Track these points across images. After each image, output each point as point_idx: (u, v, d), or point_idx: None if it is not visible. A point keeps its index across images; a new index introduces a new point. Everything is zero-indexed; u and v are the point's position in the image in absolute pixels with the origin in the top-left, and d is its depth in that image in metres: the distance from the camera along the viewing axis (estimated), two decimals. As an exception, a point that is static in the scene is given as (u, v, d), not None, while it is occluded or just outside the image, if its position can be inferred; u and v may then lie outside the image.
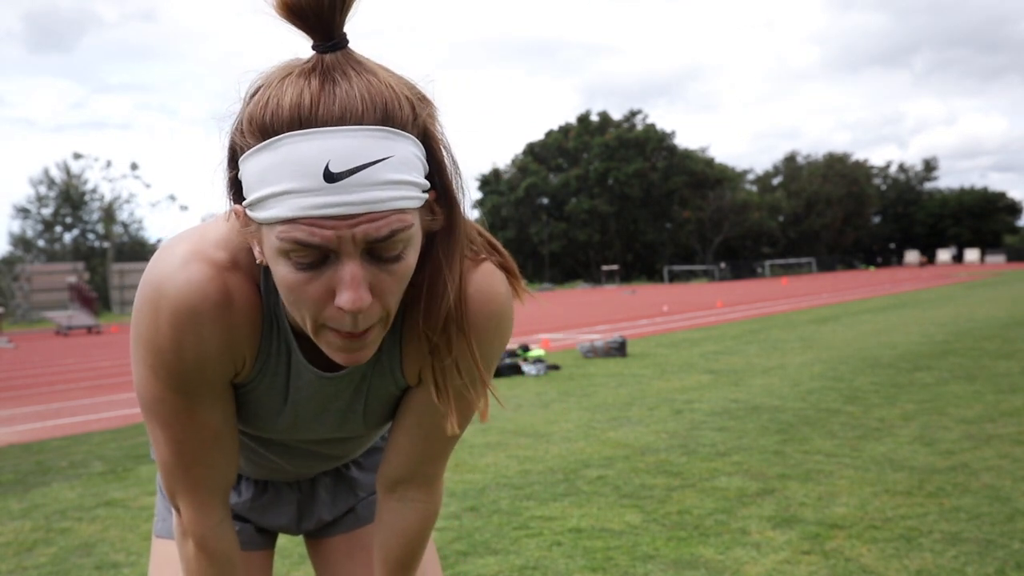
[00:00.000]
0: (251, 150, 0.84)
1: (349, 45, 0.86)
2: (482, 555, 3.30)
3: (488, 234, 1.07)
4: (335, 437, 1.19)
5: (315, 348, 1.02)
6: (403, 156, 0.84)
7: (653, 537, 3.40)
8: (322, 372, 1.06)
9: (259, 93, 0.85)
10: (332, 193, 0.81)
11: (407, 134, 0.85)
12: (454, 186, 0.93)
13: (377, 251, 0.85)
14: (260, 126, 0.83)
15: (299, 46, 0.86)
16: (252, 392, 1.06)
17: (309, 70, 0.84)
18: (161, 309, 0.94)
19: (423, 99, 0.89)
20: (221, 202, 0.94)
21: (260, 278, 0.99)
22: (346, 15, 0.84)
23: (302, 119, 0.81)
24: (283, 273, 0.86)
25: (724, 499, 3.87)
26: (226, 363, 1.00)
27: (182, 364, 0.97)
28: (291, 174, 0.81)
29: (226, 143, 0.89)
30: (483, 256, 1.04)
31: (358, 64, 0.85)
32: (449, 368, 1.01)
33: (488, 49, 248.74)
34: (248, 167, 0.85)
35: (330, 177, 0.80)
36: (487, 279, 1.03)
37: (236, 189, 0.90)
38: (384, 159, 0.82)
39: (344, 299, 0.84)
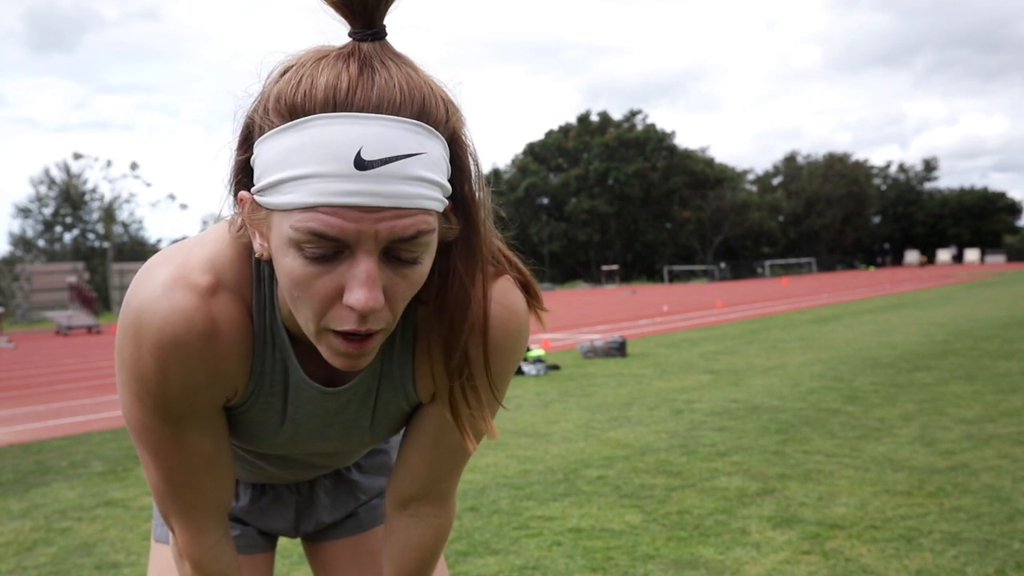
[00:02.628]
0: (273, 130, 0.79)
1: (387, 38, 0.83)
2: (482, 555, 3.30)
3: (510, 252, 1.02)
4: (337, 451, 1.15)
5: (315, 361, 0.98)
6: (434, 156, 0.80)
7: (653, 537, 3.40)
8: (324, 387, 1.01)
9: (290, 72, 0.81)
10: (361, 181, 0.76)
11: (439, 134, 0.81)
12: (479, 197, 0.89)
13: (396, 252, 0.80)
14: (289, 105, 0.78)
15: (311, 43, 0.84)
16: (246, 413, 1.02)
17: (347, 54, 0.80)
18: (143, 339, 0.89)
19: (452, 103, 0.85)
20: (223, 186, 0.89)
21: (252, 294, 0.94)
22: (389, 5, 0.82)
23: (337, 101, 0.77)
24: (291, 266, 0.80)
25: (724, 499, 3.87)
26: (215, 391, 0.95)
27: (167, 394, 0.92)
28: (318, 157, 0.76)
29: (241, 123, 0.85)
30: (504, 271, 1.00)
31: (396, 56, 0.82)
32: (465, 385, 0.97)
33: (489, 48, 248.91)
34: (266, 148, 0.80)
35: (361, 164, 0.75)
36: (508, 295, 0.99)
37: (244, 174, 0.86)
38: (418, 154, 0.78)
39: (356, 297, 0.78)
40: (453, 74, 0.87)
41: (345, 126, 0.76)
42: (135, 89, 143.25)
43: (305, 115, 0.78)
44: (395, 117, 0.78)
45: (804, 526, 3.43)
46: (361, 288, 0.78)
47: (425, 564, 1.16)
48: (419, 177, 0.78)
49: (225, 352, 0.92)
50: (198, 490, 1.02)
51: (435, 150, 0.81)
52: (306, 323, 0.84)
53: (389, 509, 1.15)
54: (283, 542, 3.28)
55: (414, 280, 0.84)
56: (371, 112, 0.77)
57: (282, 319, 0.95)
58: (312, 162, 0.77)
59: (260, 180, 0.81)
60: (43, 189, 58.67)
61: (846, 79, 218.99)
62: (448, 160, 0.84)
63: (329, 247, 0.78)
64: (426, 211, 0.80)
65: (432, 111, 0.80)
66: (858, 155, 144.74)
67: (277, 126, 0.79)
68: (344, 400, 1.03)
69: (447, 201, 0.85)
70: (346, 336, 0.83)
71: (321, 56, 0.81)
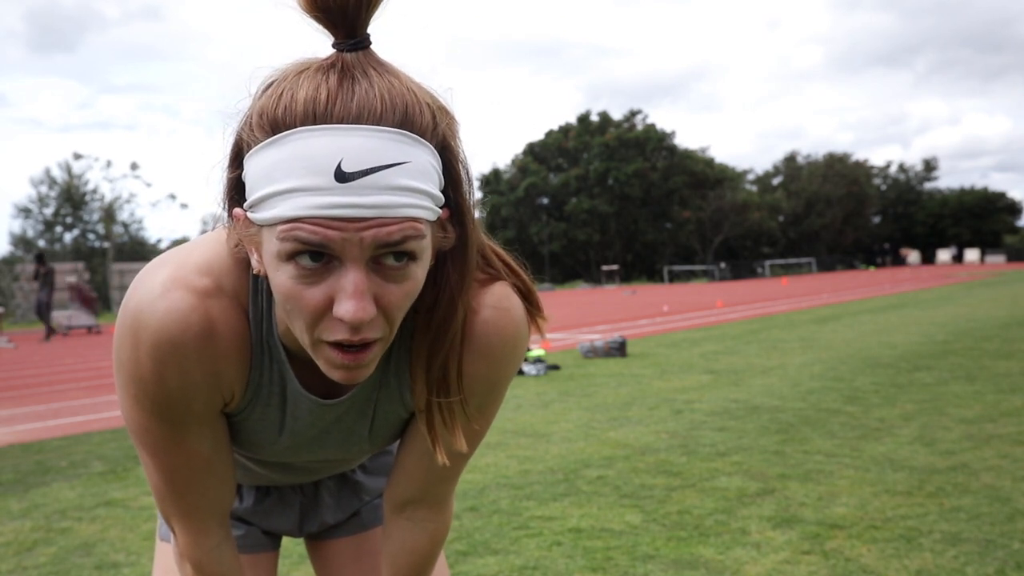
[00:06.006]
0: (258, 146, 0.79)
1: (371, 47, 0.83)
2: (482, 555, 3.30)
3: (507, 256, 1.02)
4: (337, 458, 1.15)
5: (312, 374, 0.97)
6: (420, 164, 0.79)
7: (653, 537, 3.40)
8: (321, 399, 1.01)
9: (272, 87, 0.81)
10: (343, 193, 0.76)
11: (426, 142, 0.81)
12: (468, 204, 0.89)
13: (384, 259, 0.80)
14: (271, 120, 0.78)
15: (309, 48, 0.83)
16: (245, 421, 1.02)
17: (328, 66, 0.80)
18: (141, 340, 0.89)
19: (443, 109, 0.85)
20: (217, 205, 0.89)
21: (248, 304, 0.94)
22: (372, 14, 0.81)
23: (316, 114, 0.77)
24: (281, 280, 0.80)
25: (724, 499, 3.87)
26: (213, 394, 0.95)
27: (165, 395, 0.92)
28: (300, 171, 0.76)
29: (231, 141, 0.85)
30: (500, 277, 0.99)
31: (380, 65, 0.82)
32: (441, 399, 0.97)
33: (490, 49, 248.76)
34: (253, 164, 0.80)
35: (342, 176, 0.75)
36: (504, 300, 0.98)
37: (237, 191, 0.86)
38: (401, 163, 0.78)
39: (344, 309, 0.78)
40: (450, 77, 0.87)
41: (325, 138, 0.76)
42: (137, 89, 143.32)
43: (287, 129, 0.78)
44: (376, 127, 0.77)
45: (804, 526, 3.44)
46: (349, 299, 0.78)
47: (421, 568, 1.16)
48: (403, 187, 0.78)
49: (222, 354, 0.92)
50: (198, 492, 1.02)
51: (421, 158, 0.80)
52: (301, 336, 0.84)
53: (387, 512, 1.16)
54: (284, 542, 3.28)
55: (407, 290, 0.83)
56: (351, 123, 0.77)
57: (279, 334, 0.95)
58: (294, 176, 0.77)
59: (249, 196, 0.81)
60: (44, 189, 58.62)
61: (847, 79, 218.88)
62: (440, 168, 0.84)
63: (316, 258, 0.78)
64: (413, 219, 0.79)
65: (416, 119, 0.80)
66: (859, 155, 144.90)
67: (261, 142, 0.79)
68: (342, 410, 1.03)
69: (440, 210, 0.84)
70: (342, 348, 0.83)
71: (303, 69, 0.81)
